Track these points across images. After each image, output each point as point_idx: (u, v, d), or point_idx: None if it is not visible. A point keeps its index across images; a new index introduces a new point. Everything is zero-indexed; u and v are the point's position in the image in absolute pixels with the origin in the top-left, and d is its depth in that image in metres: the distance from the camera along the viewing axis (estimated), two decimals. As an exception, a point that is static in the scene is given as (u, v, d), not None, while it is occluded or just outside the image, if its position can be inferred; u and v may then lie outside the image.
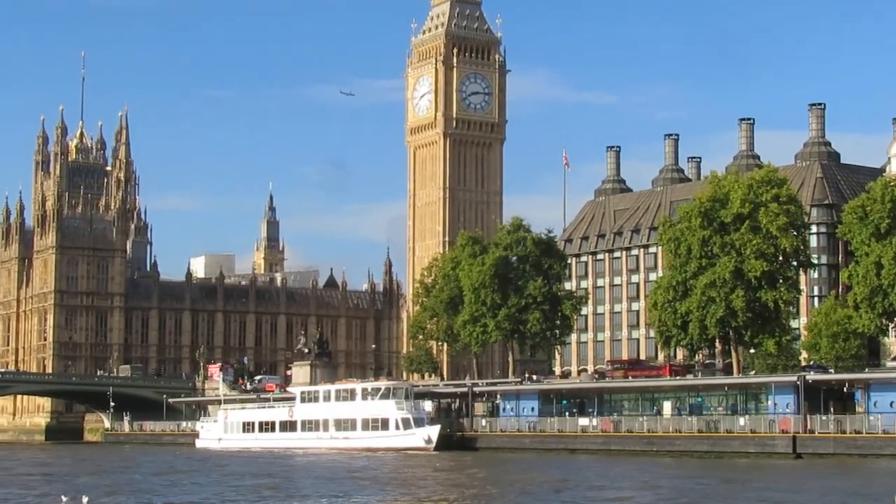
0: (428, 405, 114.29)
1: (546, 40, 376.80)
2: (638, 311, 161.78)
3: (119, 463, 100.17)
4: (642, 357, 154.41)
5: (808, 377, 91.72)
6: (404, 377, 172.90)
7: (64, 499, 50.00)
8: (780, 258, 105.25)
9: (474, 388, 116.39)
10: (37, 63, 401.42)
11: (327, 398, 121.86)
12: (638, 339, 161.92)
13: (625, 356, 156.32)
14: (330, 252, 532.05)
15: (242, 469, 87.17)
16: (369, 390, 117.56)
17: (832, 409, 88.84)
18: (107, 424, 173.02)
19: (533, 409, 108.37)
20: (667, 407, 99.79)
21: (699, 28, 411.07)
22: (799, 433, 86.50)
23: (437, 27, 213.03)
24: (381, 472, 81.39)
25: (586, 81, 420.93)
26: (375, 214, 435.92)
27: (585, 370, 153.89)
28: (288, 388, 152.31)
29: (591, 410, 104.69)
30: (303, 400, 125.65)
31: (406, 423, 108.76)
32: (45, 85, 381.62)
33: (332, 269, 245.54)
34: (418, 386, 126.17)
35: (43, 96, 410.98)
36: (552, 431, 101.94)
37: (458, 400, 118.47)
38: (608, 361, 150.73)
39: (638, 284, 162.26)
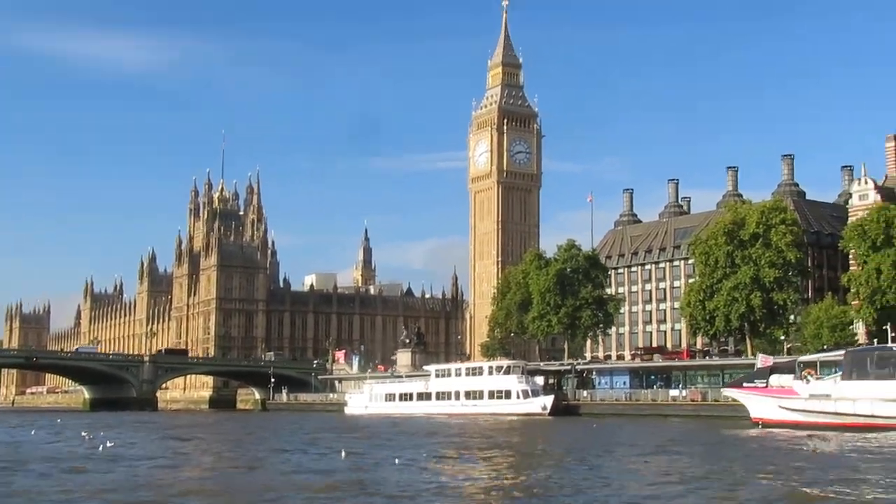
0: (539, 380, 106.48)
1: (568, 114, 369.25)
2: (650, 311, 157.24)
3: (326, 428, 75.54)
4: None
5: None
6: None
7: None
8: (787, 268, 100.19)
9: (576, 366, 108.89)
10: (189, 140, 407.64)
11: (458, 374, 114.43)
12: (651, 333, 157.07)
13: (640, 345, 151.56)
14: (385, 272, 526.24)
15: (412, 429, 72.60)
16: (493, 368, 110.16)
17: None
18: (257, 396, 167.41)
19: (625, 382, 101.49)
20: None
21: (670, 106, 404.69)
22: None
23: (491, 104, 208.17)
24: (517, 430, 71.36)
25: (596, 149, 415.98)
26: (417, 248, 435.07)
27: (622, 355, 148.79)
28: (396, 369, 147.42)
29: (676, 384, 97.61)
30: (437, 375, 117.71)
31: (525, 394, 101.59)
32: (195, 155, 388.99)
33: (409, 283, 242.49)
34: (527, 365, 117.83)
35: (193, 163, 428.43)
36: (647, 400, 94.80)
37: (554, 376, 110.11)
38: (636, 348, 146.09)
39: (651, 291, 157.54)
